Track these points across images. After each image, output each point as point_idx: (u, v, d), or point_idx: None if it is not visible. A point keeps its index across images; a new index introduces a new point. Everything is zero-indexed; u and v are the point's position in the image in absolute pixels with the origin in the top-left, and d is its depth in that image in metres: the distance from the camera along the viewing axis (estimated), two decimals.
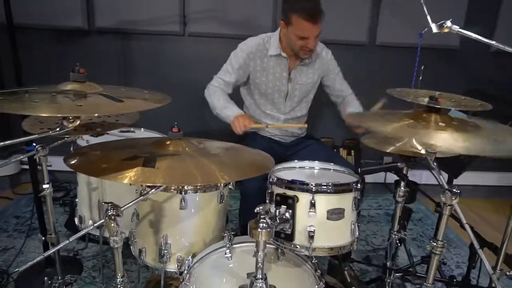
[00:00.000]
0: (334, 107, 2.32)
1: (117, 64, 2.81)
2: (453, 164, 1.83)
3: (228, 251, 1.26)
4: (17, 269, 1.28)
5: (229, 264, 1.24)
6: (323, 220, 1.22)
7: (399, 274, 1.74)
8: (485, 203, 3.08)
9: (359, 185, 1.28)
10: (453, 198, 1.10)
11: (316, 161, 1.52)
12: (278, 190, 1.27)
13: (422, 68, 1.60)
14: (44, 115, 1.19)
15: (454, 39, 2.77)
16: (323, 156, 1.66)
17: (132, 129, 1.95)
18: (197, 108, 2.54)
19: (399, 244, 1.72)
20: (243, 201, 1.84)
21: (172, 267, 1.38)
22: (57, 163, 1.66)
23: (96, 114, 1.27)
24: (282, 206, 1.21)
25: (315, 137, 2.34)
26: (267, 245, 1.26)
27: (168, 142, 1.27)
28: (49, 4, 2.60)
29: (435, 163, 1.17)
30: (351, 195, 1.26)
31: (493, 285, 1.23)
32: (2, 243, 2.18)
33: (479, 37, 1.19)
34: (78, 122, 1.03)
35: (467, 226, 1.18)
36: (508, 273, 1.33)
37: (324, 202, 1.22)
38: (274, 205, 1.25)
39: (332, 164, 1.50)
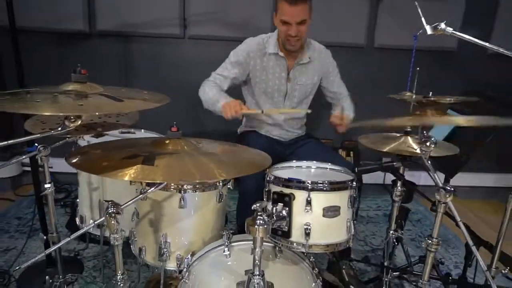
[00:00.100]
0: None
1: (118, 66, 2.84)
2: (449, 164, 1.84)
3: (226, 249, 1.27)
4: (18, 267, 1.30)
5: (228, 262, 1.25)
6: (319, 217, 1.24)
7: (397, 273, 1.76)
8: (483, 204, 3.09)
9: (354, 183, 1.30)
10: (447, 196, 1.12)
11: (314, 161, 1.54)
12: (275, 188, 1.28)
13: (418, 69, 1.61)
14: (46, 114, 1.22)
15: (451, 41, 2.80)
16: (322, 155, 1.68)
17: (132, 130, 1.98)
18: (197, 110, 2.56)
19: (396, 243, 1.74)
20: (241, 199, 1.86)
21: (171, 265, 1.40)
22: (58, 164, 1.68)
23: (97, 113, 1.28)
24: (279, 203, 1.23)
25: (314, 137, 2.35)
26: (265, 244, 1.28)
27: (167, 141, 1.30)
28: (51, 7, 2.64)
29: (429, 162, 1.20)
30: (347, 193, 1.28)
31: (488, 283, 1.24)
32: (4, 244, 2.20)
33: (473, 39, 1.21)
34: (79, 122, 1.04)
35: (461, 224, 1.19)
36: (503, 271, 1.34)
37: (320, 200, 1.23)
38: (271, 203, 1.27)
39: (329, 164, 1.52)
